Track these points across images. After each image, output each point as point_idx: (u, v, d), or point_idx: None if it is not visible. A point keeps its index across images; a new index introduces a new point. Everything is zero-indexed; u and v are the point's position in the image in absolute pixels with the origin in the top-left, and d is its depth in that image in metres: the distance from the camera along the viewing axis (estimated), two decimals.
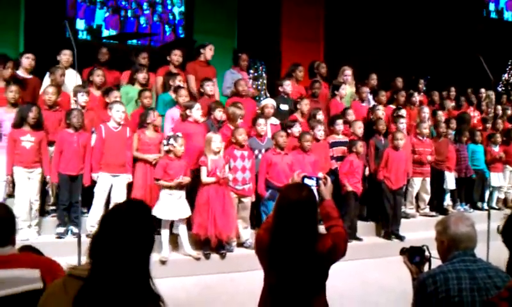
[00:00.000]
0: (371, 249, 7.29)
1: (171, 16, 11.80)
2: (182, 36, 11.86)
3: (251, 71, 10.92)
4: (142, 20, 11.52)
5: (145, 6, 11.51)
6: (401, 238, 7.47)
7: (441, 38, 12.91)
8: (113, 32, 11.22)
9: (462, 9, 13.40)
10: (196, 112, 6.71)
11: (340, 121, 7.68)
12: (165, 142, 6.31)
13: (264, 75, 11.00)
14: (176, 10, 11.85)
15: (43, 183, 6.44)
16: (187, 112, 6.69)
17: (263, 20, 11.45)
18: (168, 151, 6.26)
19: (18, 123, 6.15)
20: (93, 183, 6.39)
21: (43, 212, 6.63)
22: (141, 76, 7.39)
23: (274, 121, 7.53)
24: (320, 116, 7.73)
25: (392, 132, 7.84)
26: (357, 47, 11.67)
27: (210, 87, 7.49)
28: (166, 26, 11.79)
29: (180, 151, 6.23)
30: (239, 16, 11.76)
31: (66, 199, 6.29)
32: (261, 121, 7.06)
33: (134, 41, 11.24)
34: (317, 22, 11.99)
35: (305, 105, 7.76)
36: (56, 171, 6.30)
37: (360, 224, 7.59)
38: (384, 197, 7.59)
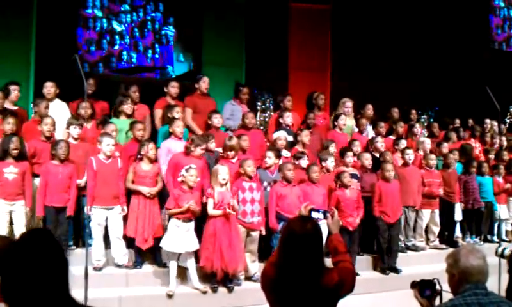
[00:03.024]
0: (367, 283, 6.95)
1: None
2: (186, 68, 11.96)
3: (259, 103, 10.99)
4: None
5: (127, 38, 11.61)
6: (397, 272, 7.33)
7: (449, 68, 12.96)
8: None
9: (468, 40, 13.47)
10: (199, 151, 6.68)
11: (350, 154, 7.62)
12: (182, 172, 6.30)
13: (271, 107, 11.06)
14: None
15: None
16: (192, 148, 6.65)
17: (271, 52, 11.56)
18: (182, 183, 6.25)
19: (1, 156, 6.10)
20: (77, 213, 6.35)
21: None
22: (126, 106, 7.37)
23: (286, 153, 7.53)
24: (333, 148, 7.72)
25: (381, 164, 7.68)
26: (364, 77, 11.73)
27: (217, 120, 7.52)
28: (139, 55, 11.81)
29: (192, 182, 6.21)
30: (246, 48, 11.89)
31: (53, 232, 6.17)
32: (269, 153, 7.05)
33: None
34: (324, 53, 12.09)
35: (305, 136, 7.76)
36: (41, 204, 6.20)
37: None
38: (379, 232, 7.43)
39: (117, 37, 11.34)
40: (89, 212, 6.25)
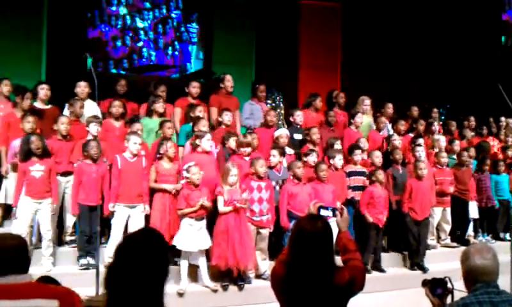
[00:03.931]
0: (394, 280, 7.17)
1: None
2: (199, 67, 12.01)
3: (269, 101, 10.99)
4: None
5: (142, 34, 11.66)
6: (424, 270, 7.33)
7: (460, 66, 12.87)
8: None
9: (481, 37, 13.37)
10: (206, 143, 6.68)
11: (358, 151, 7.63)
12: (183, 173, 6.35)
13: (281, 105, 11.06)
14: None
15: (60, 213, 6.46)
16: (197, 141, 6.69)
17: (280, 50, 11.55)
18: (187, 183, 6.28)
19: (25, 155, 6.16)
20: (111, 213, 6.38)
21: (60, 242, 6.68)
22: (158, 105, 7.42)
23: (289, 151, 7.53)
24: (338, 145, 7.72)
25: (414, 162, 7.76)
26: (374, 76, 11.68)
27: (228, 117, 7.55)
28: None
29: (196, 180, 6.23)
30: (256, 47, 11.89)
31: (88, 230, 6.27)
32: (274, 152, 7.04)
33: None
34: (334, 51, 12.06)
35: (314, 134, 7.75)
36: (76, 203, 6.31)
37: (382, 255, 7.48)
38: (408, 229, 7.49)
39: (141, 33, 11.46)
40: (112, 209, 6.32)
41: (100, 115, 7.21)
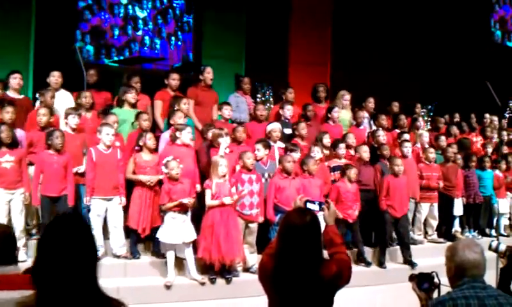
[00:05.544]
0: (378, 275, 7.19)
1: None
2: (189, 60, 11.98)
3: (259, 95, 10.98)
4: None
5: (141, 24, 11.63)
6: (413, 265, 7.30)
7: (449, 63, 12.94)
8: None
9: (469, 35, 13.44)
10: (186, 135, 6.64)
11: (342, 145, 7.63)
12: (162, 168, 6.32)
13: (271, 99, 11.06)
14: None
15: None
16: (177, 134, 6.66)
17: (271, 45, 11.54)
18: (168, 177, 6.26)
19: None
20: (76, 203, 6.30)
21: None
22: (131, 96, 7.33)
23: (281, 144, 7.53)
24: (327, 139, 7.72)
25: (391, 158, 7.68)
26: (364, 72, 11.71)
27: (228, 112, 7.57)
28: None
29: (175, 175, 6.19)
30: (247, 41, 11.86)
31: (48, 221, 6.18)
32: (258, 146, 7.01)
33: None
34: (324, 46, 12.08)
35: (302, 129, 7.76)
36: (36, 194, 6.13)
37: (368, 250, 7.48)
38: (385, 226, 7.43)
39: (140, 22, 11.43)
40: (88, 203, 6.25)
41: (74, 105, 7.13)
